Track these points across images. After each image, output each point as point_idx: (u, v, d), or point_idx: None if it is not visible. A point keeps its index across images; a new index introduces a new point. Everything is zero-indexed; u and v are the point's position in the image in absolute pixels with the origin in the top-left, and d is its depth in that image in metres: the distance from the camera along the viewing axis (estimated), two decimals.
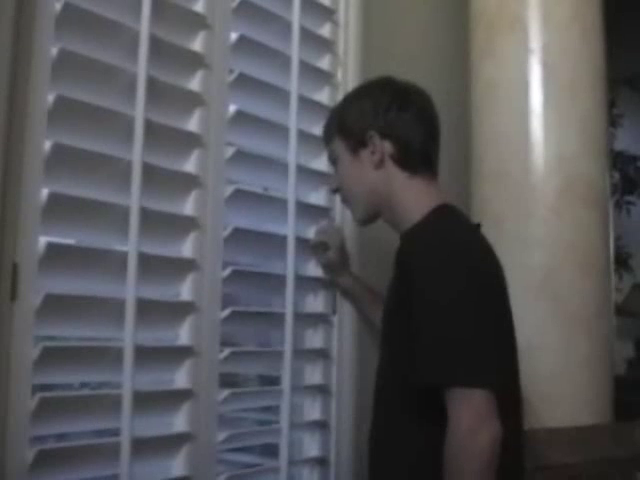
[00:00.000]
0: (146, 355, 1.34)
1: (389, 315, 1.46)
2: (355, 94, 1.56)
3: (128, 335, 1.30)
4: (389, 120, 1.47)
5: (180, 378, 1.44)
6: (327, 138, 1.58)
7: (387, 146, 1.47)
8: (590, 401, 2.03)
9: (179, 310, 1.46)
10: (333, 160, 1.58)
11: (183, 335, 1.45)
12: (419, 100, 1.51)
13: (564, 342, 2.01)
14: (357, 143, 1.49)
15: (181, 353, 1.44)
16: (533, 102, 2.11)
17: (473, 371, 1.26)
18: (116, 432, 1.28)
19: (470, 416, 1.24)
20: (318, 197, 1.81)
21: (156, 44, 1.39)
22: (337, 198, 1.82)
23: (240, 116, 1.59)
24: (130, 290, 1.31)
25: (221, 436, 1.49)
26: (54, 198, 1.22)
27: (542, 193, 2.07)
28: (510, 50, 2.16)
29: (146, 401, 1.34)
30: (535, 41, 2.13)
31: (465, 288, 1.30)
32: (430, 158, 1.50)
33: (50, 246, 1.22)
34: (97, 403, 1.30)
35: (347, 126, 1.51)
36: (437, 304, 1.29)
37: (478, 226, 1.48)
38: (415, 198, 1.46)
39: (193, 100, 1.50)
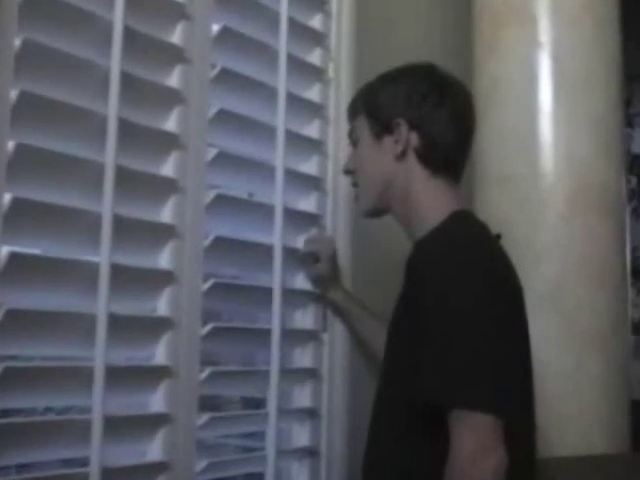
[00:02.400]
0: (118, 376, 1.33)
1: (393, 330, 1.46)
2: (392, 75, 1.54)
3: (99, 354, 1.29)
4: (422, 112, 1.46)
5: (156, 401, 1.43)
6: (351, 114, 1.58)
7: (413, 138, 1.47)
8: (604, 427, 2.02)
9: (155, 326, 1.45)
10: (353, 139, 1.58)
11: (159, 354, 1.45)
12: (458, 96, 1.51)
13: (574, 362, 2.01)
14: (382, 127, 1.49)
15: (157, 374, 1.44)
16: (542, 100, 2.12)
17: (479, 393, 1.26)
18: (85, 462, 1.27)
19: (472, 442, 1.23)
20: (308, 203, 1.81)
21: (131, 36, 1.39)
22: (328, 204, 1.82)
23: (223, 115, 1.58)
24: (101, 305, 1.30)
25: (200, 465, 1.48)
26: (17, 204, 1.21)
27: (551, 199, 2.08)
28: (518, 44, 2.17)
29: (118, 427, 1.33)
30: (544, 34, 2.14)
31: (477, 306, 1.30)
32: (456, 161, 1.51)
33: (13, 256, 1.20)
34: (64, 430, 1.29)
35: (375, 106, 1.51)
36: (448, 320, 1.29)
37: (497, 237, 1.48)
38: (433, 201, 1.46)
39: (171, 97, 1.50)
